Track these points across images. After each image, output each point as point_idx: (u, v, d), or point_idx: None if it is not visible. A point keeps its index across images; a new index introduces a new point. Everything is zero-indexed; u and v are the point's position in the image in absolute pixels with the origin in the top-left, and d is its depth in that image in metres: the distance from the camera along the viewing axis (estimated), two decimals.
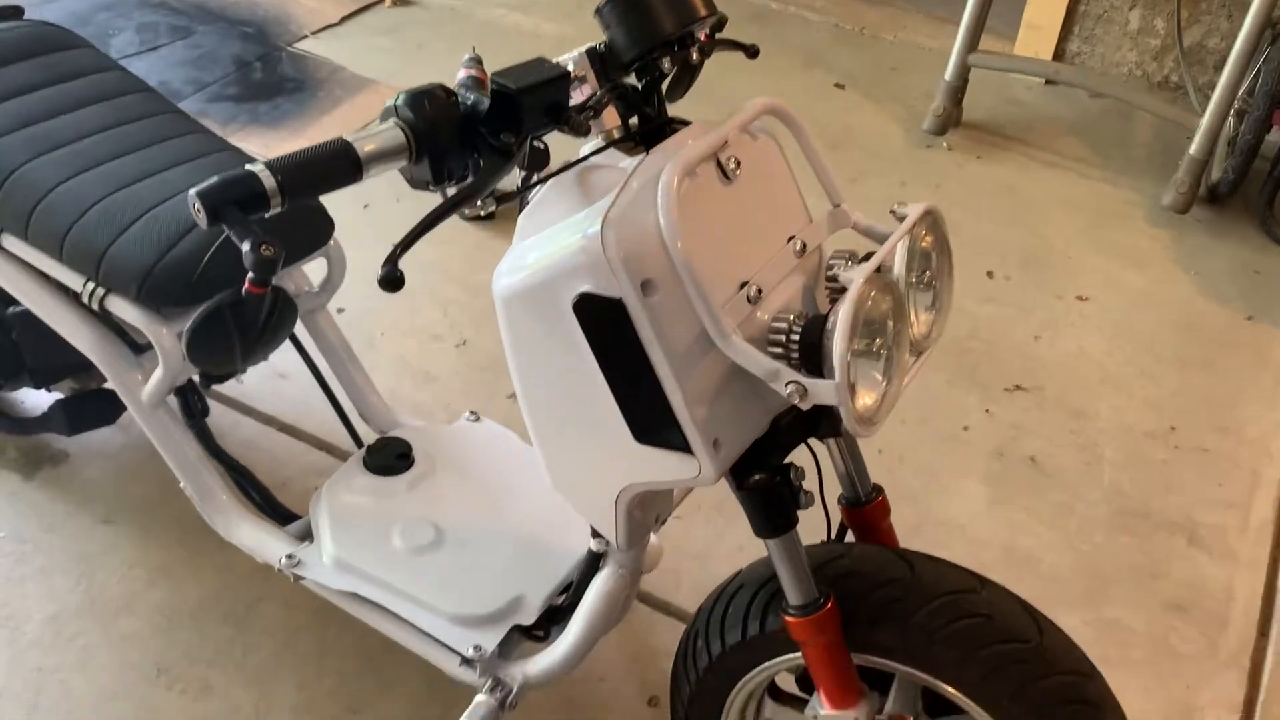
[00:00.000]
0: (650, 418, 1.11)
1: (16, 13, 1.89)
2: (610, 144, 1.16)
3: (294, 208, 0.97)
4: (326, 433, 2.20)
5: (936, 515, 2.15)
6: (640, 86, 1.18)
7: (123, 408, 1.87)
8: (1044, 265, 2.86)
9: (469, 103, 1.03)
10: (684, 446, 1.11)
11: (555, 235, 1.11)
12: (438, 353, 2.47)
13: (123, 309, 1.52)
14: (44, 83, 1.69)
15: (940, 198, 3.06)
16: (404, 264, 1.00)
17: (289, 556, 1.54)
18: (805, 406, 1.04)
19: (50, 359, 1.81)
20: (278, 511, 1.71)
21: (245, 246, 0.90)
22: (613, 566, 1.42)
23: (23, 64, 1.71)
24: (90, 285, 1.52)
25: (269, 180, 0.93)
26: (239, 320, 1.23)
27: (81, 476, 2.10)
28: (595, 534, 1.41)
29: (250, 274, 0.91)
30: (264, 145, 3.04)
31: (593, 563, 1.45)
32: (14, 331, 1.77)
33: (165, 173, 1.59)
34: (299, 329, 1.79)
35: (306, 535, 1.64)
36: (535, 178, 1.15)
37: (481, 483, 1.67)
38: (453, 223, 2.93)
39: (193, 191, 0.91)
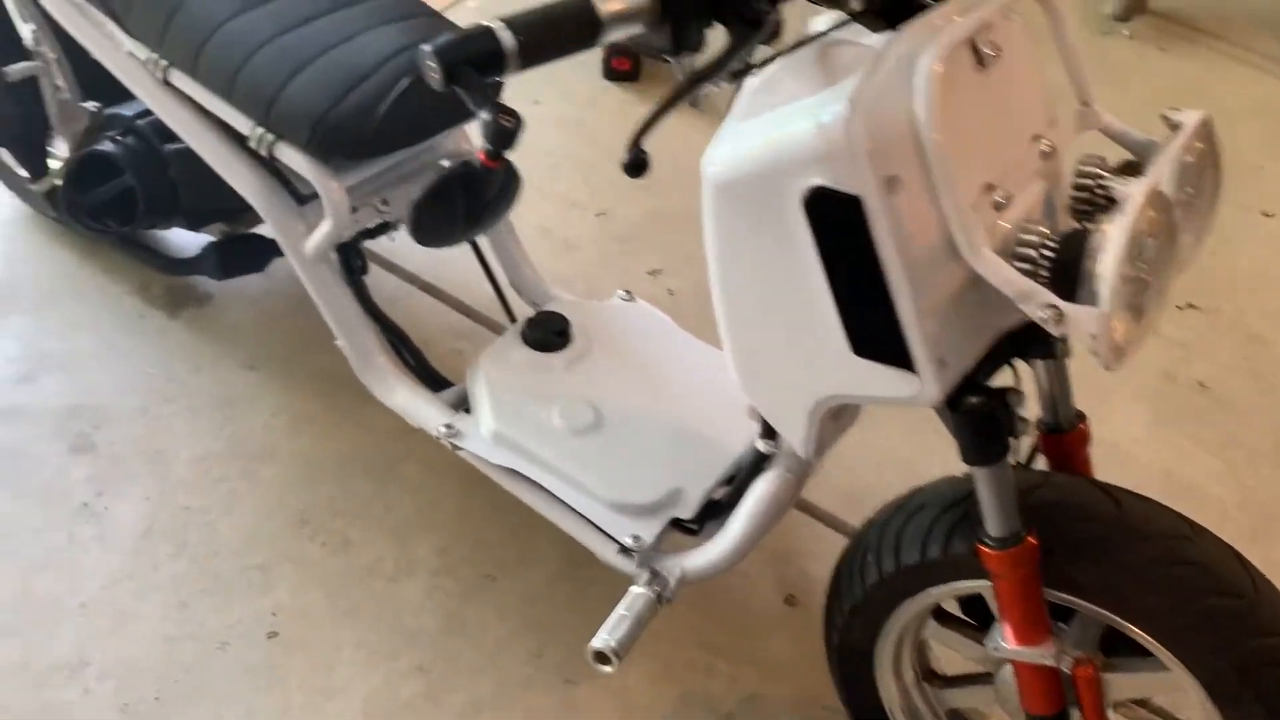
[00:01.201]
0: (873, 329, 1.02)
1: None
2: (852, 18, 1.04)
3: None
4: (467, 295, 2.16)
5: (1095, 434, 2.04)
6: None
7: (274, 254, 1.85)
8: (1229, 174, 2.63)
9: None
10: (906, 362, 1.02)
11: (785, 119, 1.00)
12: (577, 221, 2.39)
13: (292, 157, 1.46)
14: None
15: (1117, 92, 2.83)
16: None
17: (448, 426, 1.51)
18: (1059, 333, 0.94)
19: (206, 201, 1.78)
20: (431, 377, 1.68)
21: (484, 114, 0.82)
22: (780, 469, 1.36)
23: None
24: (259, 130, 1.46)
25: (508, 39, 0.84)
26: (469, 195, 1.15)
27: (225, 320, 2.09)
28: (767, 434, 1.35)
29: (487, 146, 0.83)
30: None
31: (758, 462, 1.39)
32: (172, 169, 1.73)
33: (340, 12, 1.51)
34: None
35: (459, 404, 1.61)
36: (760, 54, 1.04)
37: (639, 366, 1.61)
38: (595, 81, 2.80)
39: (427, 48, 0.82)
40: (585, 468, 1.45)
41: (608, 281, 2.24)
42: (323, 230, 1.50)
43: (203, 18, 1.46)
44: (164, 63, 1.52)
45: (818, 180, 0.97)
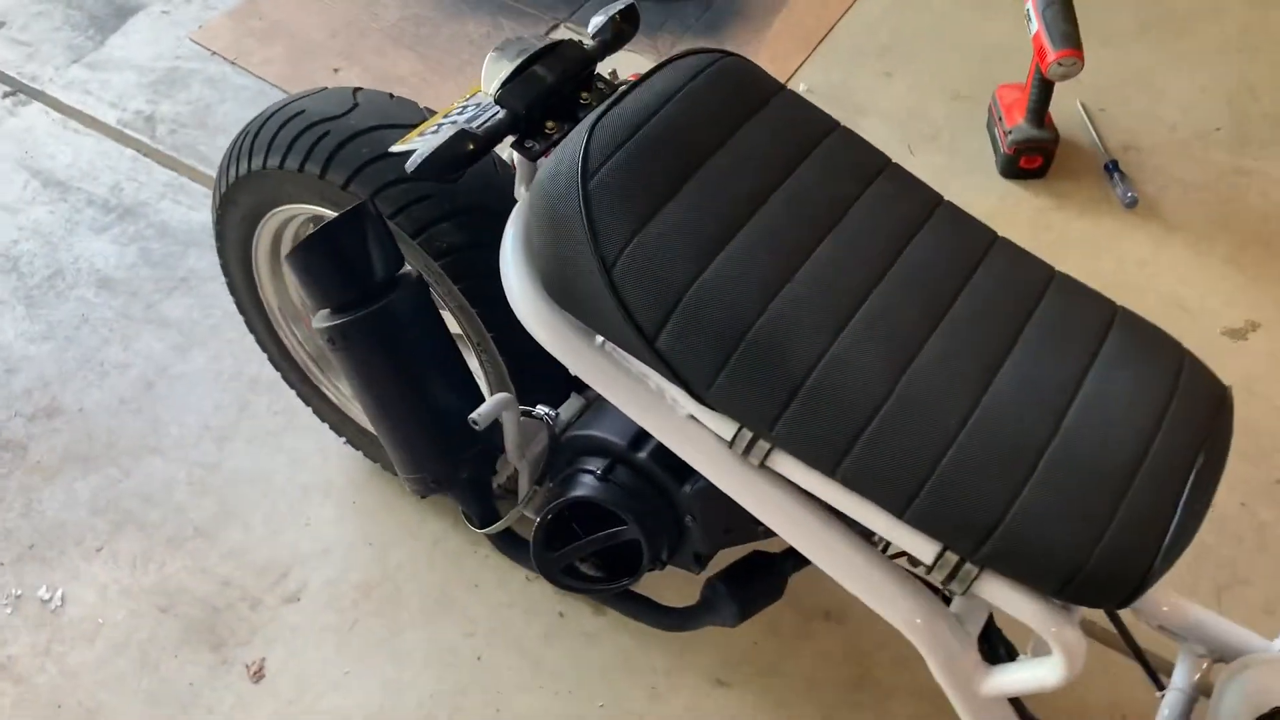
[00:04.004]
0: None
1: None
2: None
3: None
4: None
5: None
6: None
7: (789, 574, 1.38)
8: None
9: None
10: None
11: None
12: None
13: (1007, 597, 0.97)
14: (774, 174, 1.07)
15: None
16: None
17: None
18: None
19: (722, 542, 1.30)
20: None
21: None
22: None
23: (751, 142, 1.08)
24: (953, 559, 0.96)
25: None
26: None
27: None
28: None
29: None
30: None
31: None
32: (689, 513, 1.25)
33: (1018, 354, 0.99)
34: None
35: None
36: None
37: None
38: (992, 181, 2.20)
39: None
40: None
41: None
42: (1041, 677, 1.01)
43: (854, 393, 0.95)
44: (766, 445, 1.02)
45: None
